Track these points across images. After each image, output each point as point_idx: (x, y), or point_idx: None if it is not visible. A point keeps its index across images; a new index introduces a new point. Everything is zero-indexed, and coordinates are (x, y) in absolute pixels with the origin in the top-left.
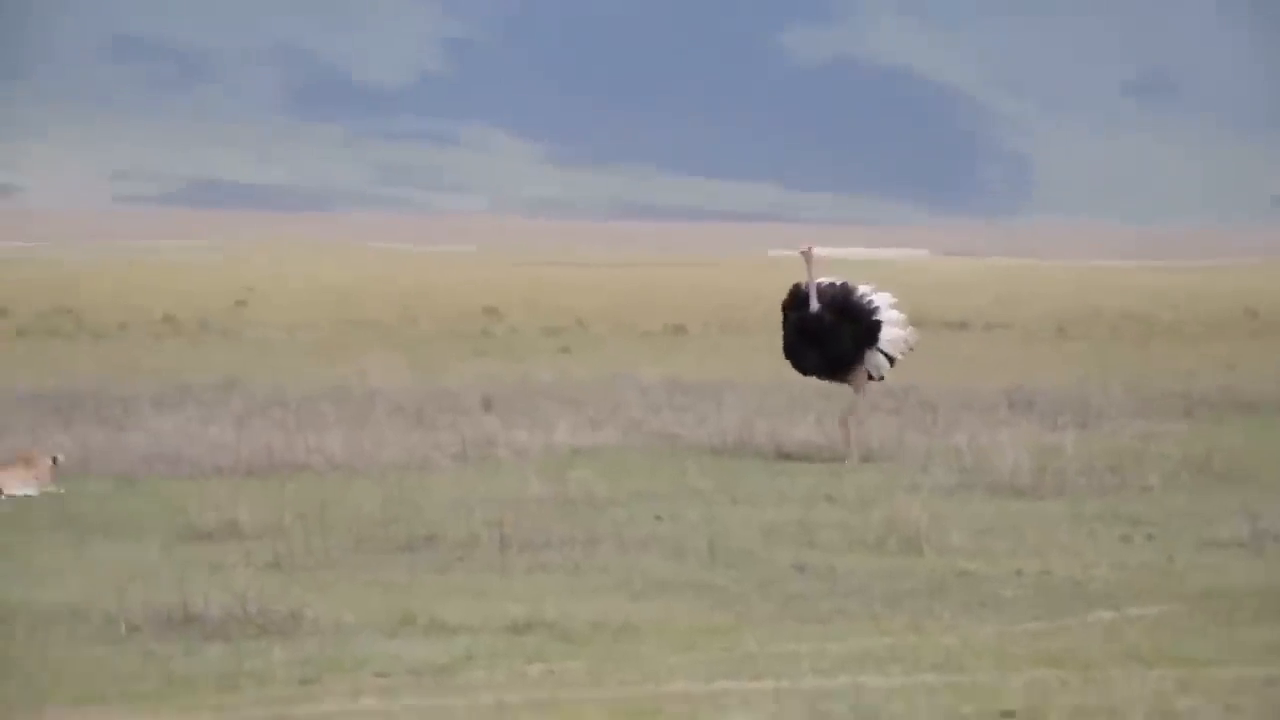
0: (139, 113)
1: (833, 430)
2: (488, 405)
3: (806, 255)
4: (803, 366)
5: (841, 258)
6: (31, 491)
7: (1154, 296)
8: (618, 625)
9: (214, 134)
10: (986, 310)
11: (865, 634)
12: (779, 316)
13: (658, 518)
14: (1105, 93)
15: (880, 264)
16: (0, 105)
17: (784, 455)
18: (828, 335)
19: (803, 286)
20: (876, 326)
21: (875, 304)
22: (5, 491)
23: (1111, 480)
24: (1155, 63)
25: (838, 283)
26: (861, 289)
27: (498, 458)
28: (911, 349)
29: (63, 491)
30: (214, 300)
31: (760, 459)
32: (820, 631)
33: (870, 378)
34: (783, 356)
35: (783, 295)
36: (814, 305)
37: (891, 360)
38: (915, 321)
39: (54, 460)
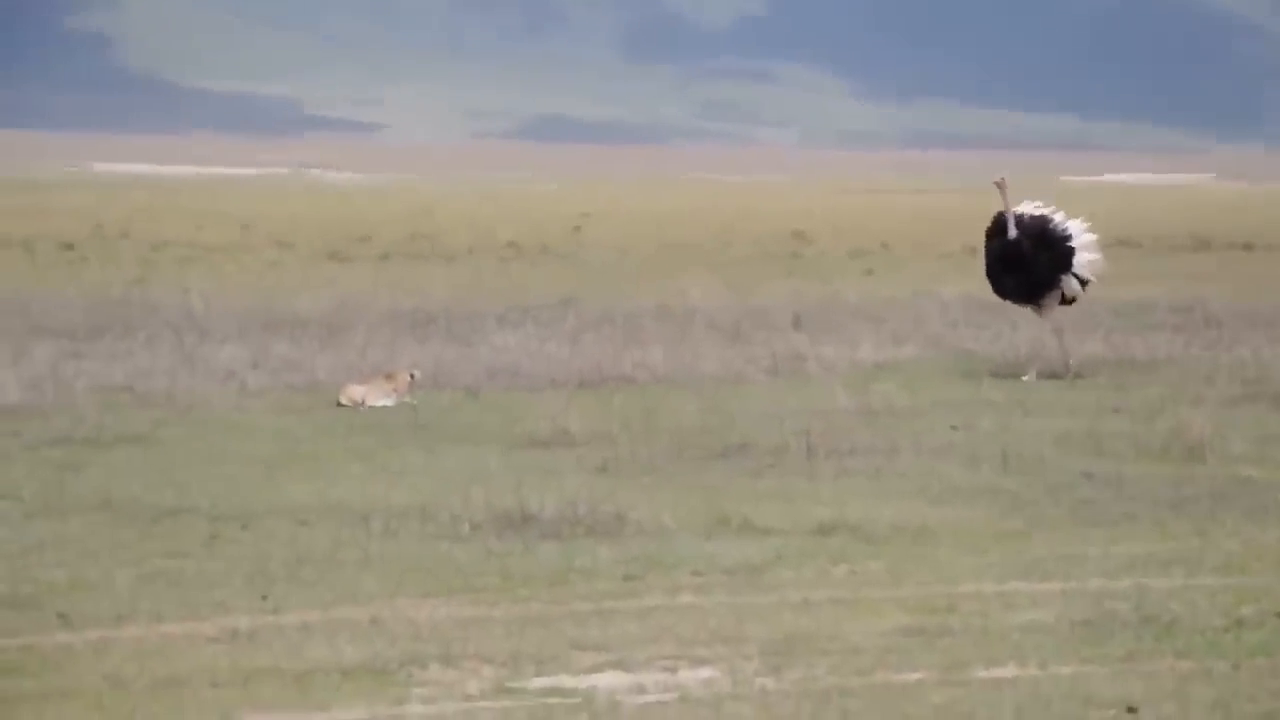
0: (491, 58)
1: (1121, 345)
2: (797, 323)
3: (1001, 185)
4: (1003, 291)
5: (1131, 183)
6: (390, 403)
7: None
8: (916, 528)
9: (557, 76)
10: (1268, 232)
11: (1149, 538)
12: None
13: (954, 427)
14: None
15: (1167, 188)
16: (370, 53)
17: (1074, 369)
18: (1027, 262)
19: (1003, 215)
20: (1071, 253)
21: (1069, 231)
22: (368, 403)
23: None
24: None
25: (1035, 212)
26: (1057, 217)
27: (806, 371)
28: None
29: (417, 403)
30: (553, 226)
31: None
32: (1106, 535)
33: (1065, 300)
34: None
35: (1074, 219)
36: (1012, 233)
37: (1084, 283)
38: (1202, 243)
39: (411, 376)
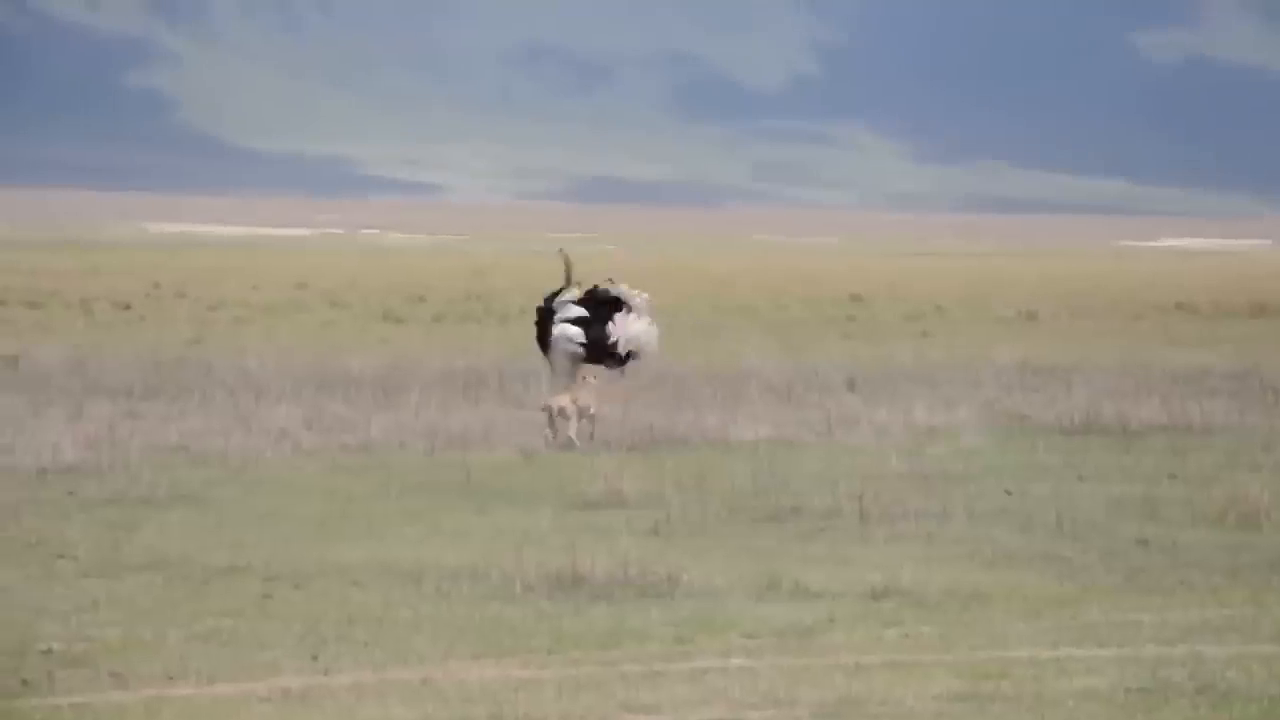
0: (541, 118)
1: (1177, 410)
2: (851, 385)
3: (564, 257)
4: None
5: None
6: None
7: None
8: (969, 593)
9: (608, 135)
10: None
11: (1205, 605)
12: (1127, 303)
13: (1008, 492)
14: None
15: (1223, 254)
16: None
17: (1130, 434)
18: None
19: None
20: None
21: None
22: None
23: None
24: None
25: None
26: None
27: (860, 434)
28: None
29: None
30: None
31: (1106, 438)
32: (1161, 602)
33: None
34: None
35: (1130, 283)
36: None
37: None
38: (1258, 308)
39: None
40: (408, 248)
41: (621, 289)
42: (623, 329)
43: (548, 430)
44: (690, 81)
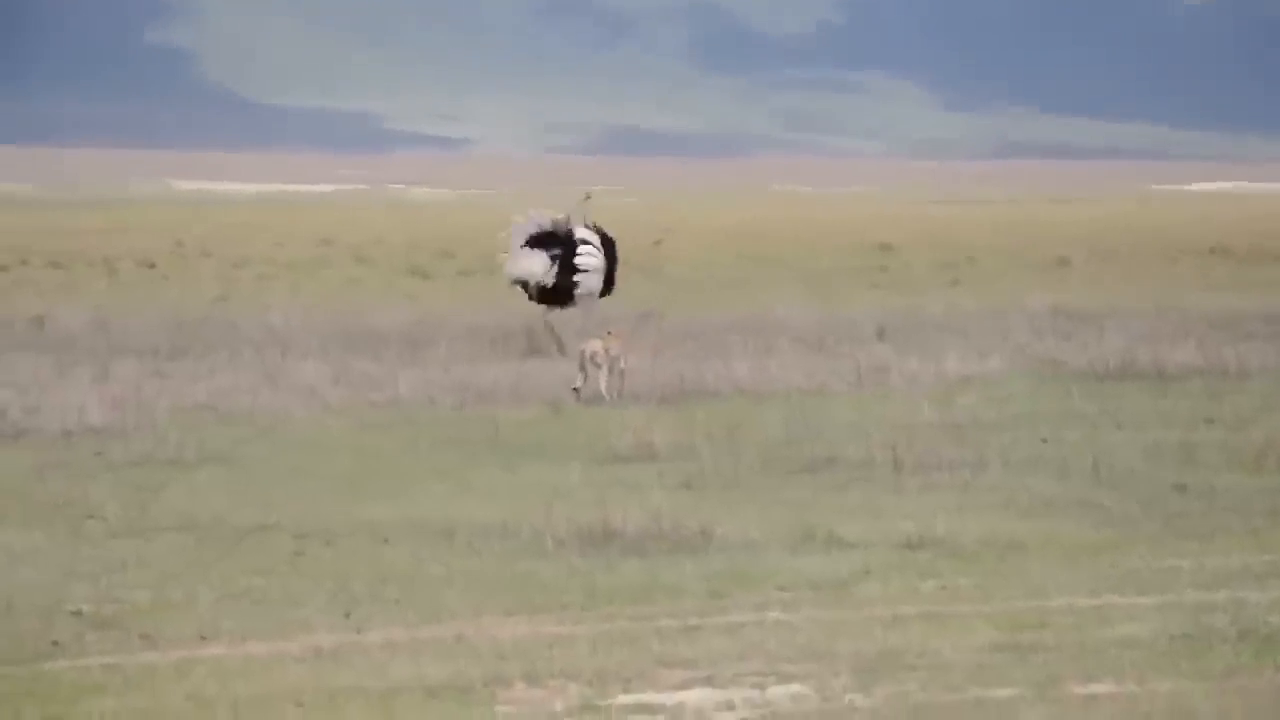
0: (567, 70)
1: (1213, 354)
2: (882, 334)
3: (585, 199)
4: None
5: (1221, 192)
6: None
7: None
8: (1005, 542)
9: (634, 87)
10: None
11: (1245, 549)
12: (1161, 248)
13: (1043, 440)
14: None
15: (1258, 197)
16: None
17: (1166, 379)
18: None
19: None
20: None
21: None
22: (623, 363)
23: None
24: None
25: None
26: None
27: (891, 384)
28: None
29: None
30: (634, 240)
31: (1142, 383)
32: (1200, 548)
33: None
34: None
35: (1164, 228)
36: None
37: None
38: None
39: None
40: (434, 202)
41: (575, 224)
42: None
43: (579, 376)
44: (714, 32)
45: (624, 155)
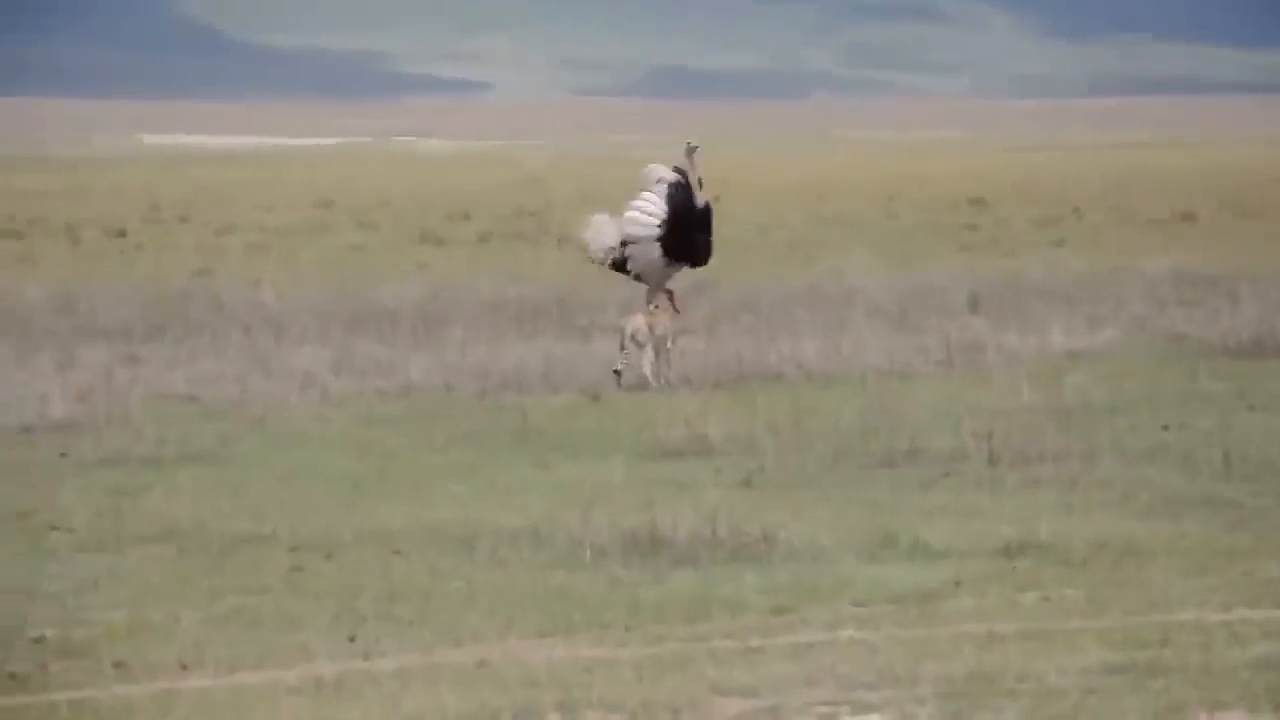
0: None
1: None
2: (974, 305)
3: (693, 152)
4: (705, 260)
5: None
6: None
7: None
8: (1120, 547)
9: (675, 18)
10: None
11: None
12: None
13: (1165, 427)
14: None
15: None
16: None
17: None
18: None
19: (686, 180)
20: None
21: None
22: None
23: None
24: None
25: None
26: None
27: (986, 362)
28: None
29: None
30: None
31: None
32: None
33: None
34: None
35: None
36: (700, 201)
37: None
38: None
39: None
40: (447, 156)
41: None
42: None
43: (620, 357)
44: None
45: (668, 99)
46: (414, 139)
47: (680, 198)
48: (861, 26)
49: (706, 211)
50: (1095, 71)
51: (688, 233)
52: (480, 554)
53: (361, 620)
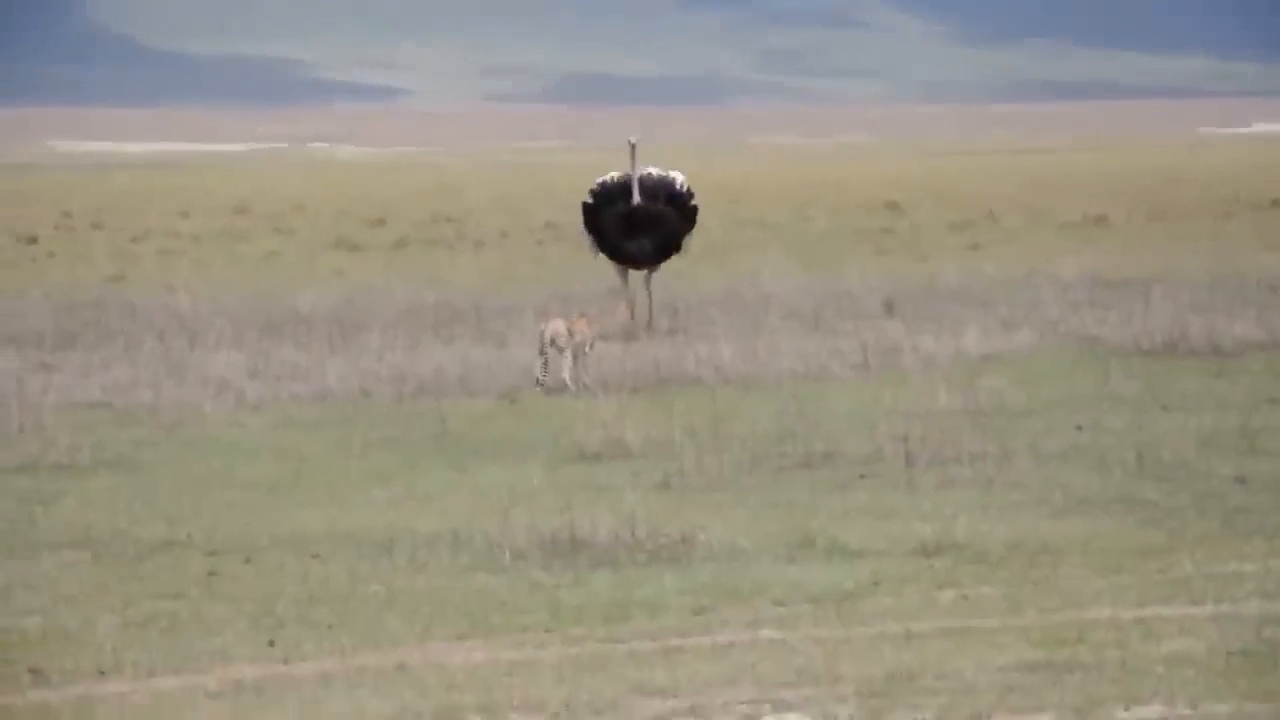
0: (514, 7)
1: (1277, 326)
2: (890, 308)
3: (634, 148)
4: (635, 258)
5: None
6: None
7: None
8: (1036, 546)
9: (592, 25)
10: None
11: None
12: (1214, 201)
13: (1079, 427)
14: None
15: None
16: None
17: (1222, 355)
18: (657, 223)
19: (625, 180)
20: (696, 211)
21: (689, 189)
22: (589, 347)
23: None
24: None
25: (654, 173)
26: (679, 178)
27: (902, 365)
28: None
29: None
30: None
31: (1194, 360)
32: (1265, 549)
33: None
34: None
35: (1217, 177)
36: (636, 198)
37: None
38: None
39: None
40: (364, 162)
41: (677, 175)
42: None
43: (539, 362)
44: None
45: (586, 105)
46: (331, 145)
47: (614, 191)
48: (776, 33)
49: (646, 211)
50: (1010, 77)
51: (614, 224)
52: (399, 558)
53: (280, 624)
